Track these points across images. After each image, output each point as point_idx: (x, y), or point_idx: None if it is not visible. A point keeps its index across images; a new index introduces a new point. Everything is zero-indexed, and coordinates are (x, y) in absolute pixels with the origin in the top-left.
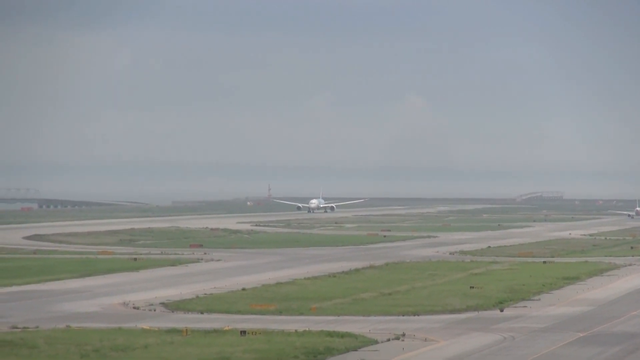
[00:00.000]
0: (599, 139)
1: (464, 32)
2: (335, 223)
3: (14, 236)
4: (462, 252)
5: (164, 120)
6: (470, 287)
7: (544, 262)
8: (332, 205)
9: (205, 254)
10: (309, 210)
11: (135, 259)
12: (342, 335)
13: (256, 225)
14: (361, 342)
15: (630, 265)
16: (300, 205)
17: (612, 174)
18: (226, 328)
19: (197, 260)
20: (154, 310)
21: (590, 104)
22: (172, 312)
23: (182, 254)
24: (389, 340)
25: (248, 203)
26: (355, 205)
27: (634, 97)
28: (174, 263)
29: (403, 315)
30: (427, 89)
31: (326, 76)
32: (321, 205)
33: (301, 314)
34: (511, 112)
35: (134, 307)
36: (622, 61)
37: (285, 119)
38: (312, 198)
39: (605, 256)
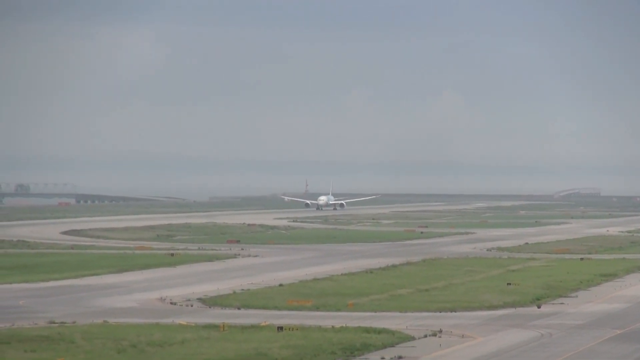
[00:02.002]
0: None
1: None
2: (373, 219)
3: (51, 231)
4: (499, 249)
5: (198, 116)
6: (508, 284)
7: (581, 258)
8: (342, 202)
9: (242, 249)
10: (318, 207)
11: (172, 255)
12: (379, 331)
13: (293, 221)
14: (398, 339)
15: None
16: (308, 202)
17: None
18: (263, 324)
19: (234, 256)
20: (191, 306)
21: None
22: (210, 307)
23: (220, 250)
24: (426, 336)
25: (285, 198)
26: (367, 202)
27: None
28: (211, 259)
29: (440, 312)
30: (459, 86)
31: (362, 71)
32: (330, 202)
33: (338, 310)
34: (531, 108)
35: (171, 303)
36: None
37: (321, 115)
38: (322, 194)
39: None
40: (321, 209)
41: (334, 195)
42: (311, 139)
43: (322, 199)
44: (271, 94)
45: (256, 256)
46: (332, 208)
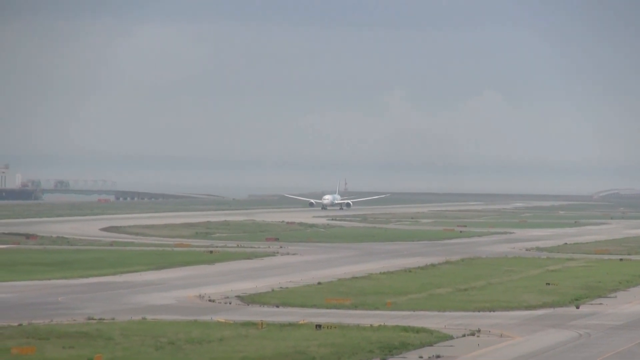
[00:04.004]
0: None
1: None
2: (412, 218)
3: (91, 228)
4: (538, 249)
5: (235, 114)
6: (546, 284)
7: (621, 259)
8: (348, 201)
9: (281, 247)
10: (323, 206)
11: (211, 252)
12: (418, 330)
13: (332, 219)
14: (436, 338)
15: None
16: (313, 201)
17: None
18: (301, 322)
19: (273, 254)
20: (230, 303)
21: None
22: (248, 305)
23: (258, 248)
24: (464, 335)
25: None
26: (375, 201)
27: None
28: (249, 256)
29: (479, 311)
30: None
31: (402, 70)
32: (336, 202)
33: (376, 308)
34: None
35: (210, 300)
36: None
37: (361, 114)
38: (326, 194)
39: None
40: (326, 209)
41: (340, 194)
42: (347, 138)
43: (327, 198)
44: (312, 94)
45: (295, 254)
46: (338, 207)
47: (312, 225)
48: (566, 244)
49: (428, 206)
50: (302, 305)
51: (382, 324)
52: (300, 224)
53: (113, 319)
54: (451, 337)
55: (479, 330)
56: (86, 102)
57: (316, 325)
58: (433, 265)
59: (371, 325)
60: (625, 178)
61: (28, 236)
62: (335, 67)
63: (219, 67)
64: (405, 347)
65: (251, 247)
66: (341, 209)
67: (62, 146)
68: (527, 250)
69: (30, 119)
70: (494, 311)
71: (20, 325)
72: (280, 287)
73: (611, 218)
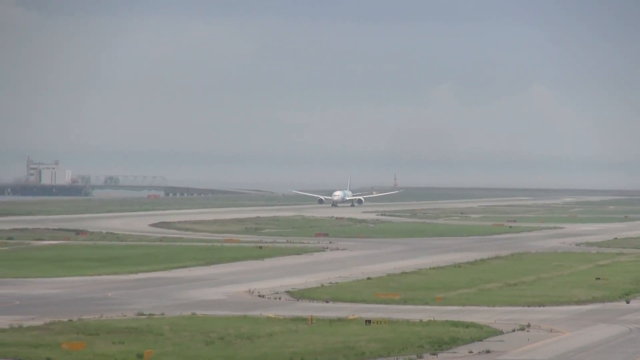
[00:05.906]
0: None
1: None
2: (461, 213)
3: (140, 223)
4: (588, 244)
5: (280, 111)
6: (596, 279)
7: None
8: (360, 197)
9: (330, 243)
10: (333, 203)
11: (260, 247)
12: (467, 325)
13: (382, 214)
14: (486, 333)
15: None
16: (322, 197)
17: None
18: (351, 317)
19: (323, 249)
20: (279, 299)
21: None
22: (297, 300)
23: (308, 243)
24: (514, 330)
25: (374, 193)
26: (389, 197)
27: None
28: (299, 252)
29: (528, 306)
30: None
31: (448, 67)
32: (347, 198)
33: (426, 303)
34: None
35: (259, 295)
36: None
37: (407, 109)
38: (337, 190)
39: None
40: (336, 205)
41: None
42: (393, 134)
43: (337, 194)
44: (357, 90)
45: (344, 249)
46: (349, 204)
47: (361, 221)
48: (616, 238)
49: (477, 201)
50: (352, 301)
51: (432, 319)
52: (350, 219)
53: (163, 314)
54: (501, 332)
55: (528, 325)
56: (136, 99)
57: (366, 321)
58: (483, 260)
59: (421, 320)
60: None
61: (78, 232)
62: (377, 62)
63: (262, 63)
64: (455, 342)
65: (300, 243)
66: (352, 205)
67: (112, 142)
68: (577, 245)
69: (80, 116)
70: (543, 306)
71: (70, 320)
72: (330, 283)
73: None
